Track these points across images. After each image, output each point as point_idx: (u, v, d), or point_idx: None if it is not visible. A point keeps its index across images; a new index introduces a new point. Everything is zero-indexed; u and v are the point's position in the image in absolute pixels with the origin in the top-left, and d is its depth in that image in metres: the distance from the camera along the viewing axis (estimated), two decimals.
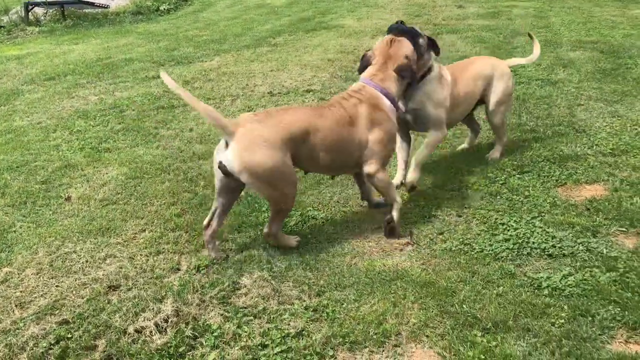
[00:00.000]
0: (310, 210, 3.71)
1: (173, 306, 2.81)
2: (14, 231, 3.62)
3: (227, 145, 3.00)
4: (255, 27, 10.19)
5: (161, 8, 12.37)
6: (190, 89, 6.44)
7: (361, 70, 3.52)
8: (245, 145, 2.96)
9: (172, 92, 3.72)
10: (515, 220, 3.44)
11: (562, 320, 2.59)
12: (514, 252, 3.15)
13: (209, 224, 3.26)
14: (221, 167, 3.01)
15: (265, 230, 3.25)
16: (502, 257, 3.12)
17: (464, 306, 2.72)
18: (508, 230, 3.35)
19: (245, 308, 2.81)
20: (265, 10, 12.01)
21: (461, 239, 3.31)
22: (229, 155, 2.97)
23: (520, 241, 3.23)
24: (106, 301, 2.91)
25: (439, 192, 3.88)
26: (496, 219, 3.49)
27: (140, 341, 2.63)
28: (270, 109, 3.59)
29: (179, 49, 8.67)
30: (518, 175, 4.03)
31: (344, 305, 2.78)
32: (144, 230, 3.58)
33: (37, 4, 11.69)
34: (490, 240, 3.27)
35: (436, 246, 3.27)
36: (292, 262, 3.14)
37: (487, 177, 4.03)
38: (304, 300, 2.84)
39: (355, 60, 7.37)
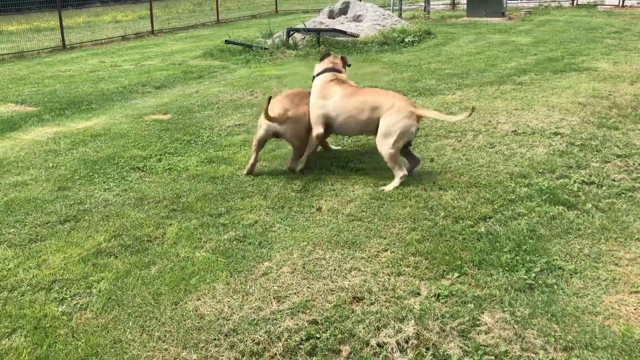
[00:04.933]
0: (556, 259, 3.52)
1: (414, 329, 2.89)
2: (274, 231, 4.05)
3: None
4: (499, 64, 10.04)
5: (406, 40, 12.85)
6: (433, 121, 6.57)
7: None
8: None
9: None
10: None
11: None
12: None
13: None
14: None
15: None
16: None
17: None
18: None
19: (486, 346, 2.77)
20: (509, 48, 11.78)
21: None
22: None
23: None
24: (350, 310, 3.10)
25: None
26: None
27: (381, 356, 2.75)
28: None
29: (421, 81, 8.92)
30: None
31: None
32: (386, 250, 3.73)
33: (297, 30, 12.97)
34: None
35: None
36: (536, 310, 3.02)
37: None
38: (550, 352, 2.71)
39: (611, 106, 6.85)
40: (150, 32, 18.78)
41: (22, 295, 3.39)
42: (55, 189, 5.04)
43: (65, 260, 3.77)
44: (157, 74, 10.86)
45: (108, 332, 3.02)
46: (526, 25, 15.39)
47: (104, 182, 5.17)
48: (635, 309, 3.03)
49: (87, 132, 6.87)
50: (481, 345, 2.78)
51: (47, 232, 4.20)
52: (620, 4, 19.34)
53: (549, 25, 15.10)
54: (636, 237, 3.77)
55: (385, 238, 3.89)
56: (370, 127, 4.89)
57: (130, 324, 3.07)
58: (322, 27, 13.58)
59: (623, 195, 4.40)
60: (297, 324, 2.99)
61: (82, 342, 2.93)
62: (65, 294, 3.38)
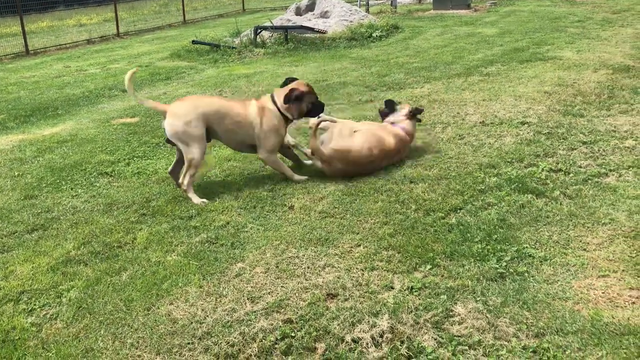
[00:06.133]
0: (526, 247, 3.57)
1: (389, 323, 2.90)
2: (246, 231, 4.02)
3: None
4: (466, 55, 10.14)
5: (373, 35, 12.89)
6: None
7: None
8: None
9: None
10: None
11: None
12: None
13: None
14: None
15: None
16: None
17: None
18: None
19: (460, 337, 2.79)
20: (476, 39, 11.90)
21: None
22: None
23: None
24: (325, 307, 3.10)
25: None
26: None
27: (357, 351, 2.75)
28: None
29: (390, 75, 8.96)
30: None
31: (567, 352, 2.63)
32: (359, 245, 3.74)
33: (265, 28, 12.90)
34: None
35: None
36: (508, 299, 3.06)
37: None
38: (522, 340, 2.75)
39: (576, 94, 6.97)
40: (116, 35, 18.51)
41: None
42: (22, 197, 4.94)
43: (34, 270, 3.69)
44: (124, 77, 10.68)
45: (79, 341, 2.97)
46: (492, 17, 15.56)
47: (71, 189, 5.08)
48: (603, 293, 3.09)
49: (53, 139, 6.74)
50: (455, 335, 2.81)
51: (14, 242, 4.11)
52: None
53: (514, 16, 15.30)
54: (603, 222, 3.84)
55: (358, 233, 3.90)
56: None
57: (102, 332, 3.02)
58: (290, 24, 13.55)
59: (589, 181, 4.48)
60: (272, 324, 2.98)
61: (52, 353, 2.87)
62: (34, 305, 3.31)
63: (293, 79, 5.00)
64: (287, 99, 4.68)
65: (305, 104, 4.78)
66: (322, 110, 4.94)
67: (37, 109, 8.50)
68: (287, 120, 4.80)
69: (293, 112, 4.77)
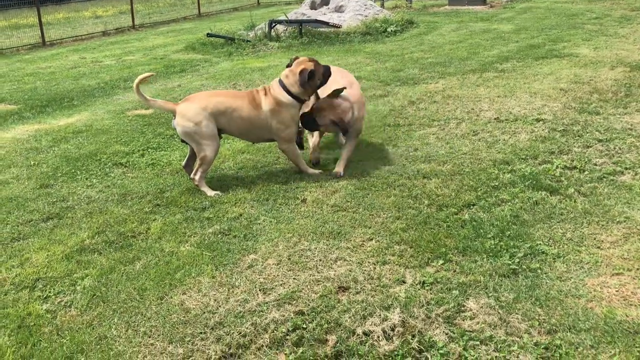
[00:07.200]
0: (540, 244, 3.55)
1: (400, 317, 2.90)
2: (259, 223, 4.04)
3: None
4: (481, 51, 10.07)
5: (388, 30, 12.84)
6: (416, 110, 6.59)
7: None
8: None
9: None
10: None
11: None
12: None
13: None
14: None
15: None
16: None
17: None
18: None
19: (471, 332, 2.79)
20: (491, 35, 11.82)
21: None
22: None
23: None
24: (336, 300, 3.11)
25: None
26: None
27: (368, 344, 2.76)
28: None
29: (404, 70, 8.93)
30: None
31: (579, 350, 2.62)
32: (371, 239, 3.74)
33: (279, 22, 12.90)
34: None
35: None
36: (520, 295, 3.05)
37: None
38: (534, 336, 2.74)
39: (592, 91, 6.91)
40: (132, 27, 18.60)
41: (5, 295, 3.35)
42: (37, 186, 4.99)
43: (49, 258, 3.74)
44: (139, 68, 10.77)
45: (93, 329, 3.00)
46: (508, 13, 15.44)
47: (86, 179, 5.13)
48: (617, 291, 3.07)
49: (68, 129, 6.80)
50: (466, 330, 2.81)
51: (30, 230, 4.16)
52: None
53: (530, 12, 15.17)
54: (617, 220, 3.81)
55: (370, 227, 3.90)
56: None
57: (116, 320, 3.05)
58: (304, 18, 13.53)
59: (604, 179, 4.44)
60: (284, 315, 2.99)
61: (67, 340, 2.91)
62: (49, 292, 3.36)
63: (296, 58, 4.88)
64: (303, 82, 4.60)
65: (317, 79, 4.72)
66: (330, 75, 4.83)
67: (52, 99, 8.57)
68: (301, 103, 4.79)
69: (309, 93, 4.75)
